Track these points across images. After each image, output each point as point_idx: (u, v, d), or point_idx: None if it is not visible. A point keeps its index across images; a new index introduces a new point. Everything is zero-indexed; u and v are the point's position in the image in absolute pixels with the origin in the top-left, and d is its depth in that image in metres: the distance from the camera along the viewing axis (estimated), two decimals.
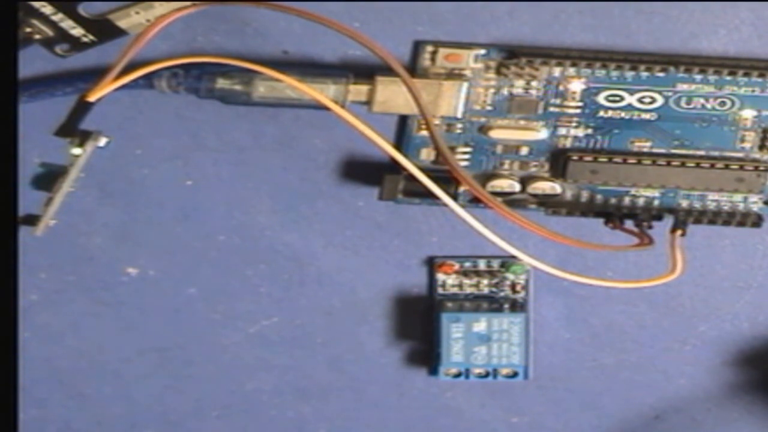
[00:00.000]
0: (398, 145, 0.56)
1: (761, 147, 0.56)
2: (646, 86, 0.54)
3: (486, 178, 0.56)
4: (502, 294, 0.60)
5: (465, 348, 0.59)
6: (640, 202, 0.57)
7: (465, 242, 0.59)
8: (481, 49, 0.54)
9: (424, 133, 0.55)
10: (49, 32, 0.53)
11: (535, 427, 0.63)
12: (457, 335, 0.59)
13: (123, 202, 0.58)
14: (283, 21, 0.54)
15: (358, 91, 0.54)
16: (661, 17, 0.54)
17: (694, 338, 0.62)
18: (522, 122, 0.55)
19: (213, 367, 0.62)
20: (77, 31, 0.53)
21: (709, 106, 0.55)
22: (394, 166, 0.54)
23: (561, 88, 0.55)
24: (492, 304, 0.60)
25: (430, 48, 0.54)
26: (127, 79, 0.51)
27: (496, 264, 0.60)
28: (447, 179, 0.53)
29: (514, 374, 0.60)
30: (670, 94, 0.55)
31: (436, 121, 0.55)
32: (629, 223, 0.57)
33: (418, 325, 0.61)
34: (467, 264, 0.60)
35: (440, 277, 0.60)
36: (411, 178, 0.53)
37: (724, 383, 0.62)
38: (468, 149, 0.56)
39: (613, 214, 0.57)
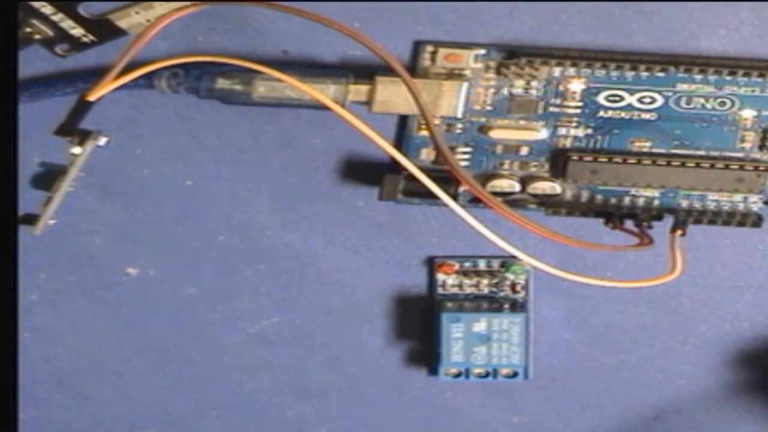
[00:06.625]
0: (398, 145, 0.56)
1: (761, 147, 0.56)
2: (646, 86, 0.54)
3: (486, 178, 0.56)
4: (502, 294, 0.60)
5: (465, 348, 0.59)
6: (640, 202, 0.57)
7: (465, 242, 0.59)
8: (481, 49, 0.54)
9: (424, 133, 0.55)
10: (49, 32, 0.53)
11: (535, 427, 0.63)
12: (457, 335, 0.59)
13: (123, 202, 0.58)
14: (283, 21, 0.54)
15: (358, 91, 0.54)
16: (661, 17, 0.54)
17: (694, 338, 0.62)
18: (522, 122, 0.56)
19: (213, 367, 0.62)
20: (77, 31, 0.53)
21: (709, 106, 0.55)
22: (394, 166, 0.54)
23: (561, 88, 0.55)
24: (492, 304, 0.60)
25: (430, 48, 0.54)
26: (127, 79, 0.51)
27: (496, 264, 0.60)
28: (447, 179, 0.53)
29: (514, 374, 0.60)
30: (670, 94, 0.55)
31: (436, 121, 0.55)
32: (629, 223, 0.57)
33: (418, 325, 0.61)
34: (467, 264, 0.60)
35: (440, 277, 0.60)
36: (411, 178, 0.53)
37: (724, 383, 0.62)
38: (468, 149, 0.56)
39: (613, 214, 0.57)
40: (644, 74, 0.54)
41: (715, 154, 0.56)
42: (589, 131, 0.56)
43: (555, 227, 0.54)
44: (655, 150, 0.56)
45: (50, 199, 0.52)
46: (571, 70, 0.54)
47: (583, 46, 0.54)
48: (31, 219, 0.52)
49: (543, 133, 0.56)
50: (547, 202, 0.57)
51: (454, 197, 0.53)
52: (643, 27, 0.54)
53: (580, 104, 0.55)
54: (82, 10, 0.53)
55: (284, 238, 0.59)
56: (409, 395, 0.63)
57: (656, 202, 0.57)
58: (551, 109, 0.55)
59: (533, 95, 0.55)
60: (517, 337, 0.59)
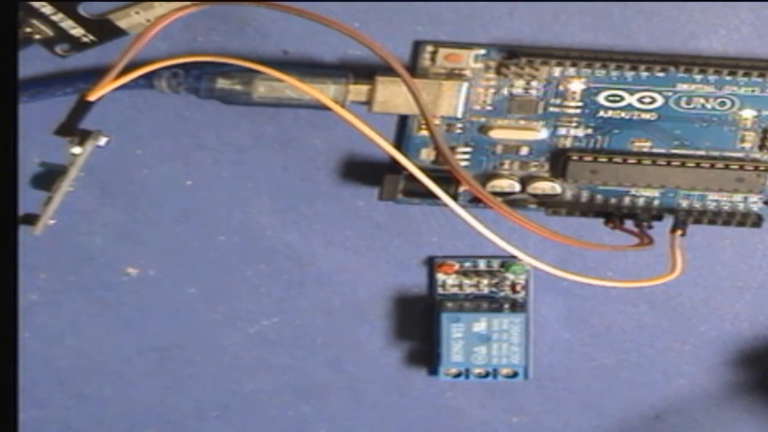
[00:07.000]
0: (398, 145, 0.56)
1: (761, 147, 0.56)
2: (646, 86, 0.54)
3: (486, 178, 0.56)
4: (502, 294, 0.60)
5: (465, 348, 0.59)
6: (640, 202, 0.57)
7: (465, 242, 0.59)
8: (481, 49, 0.54)
9: (424, 133, 0.55)
10: (49, 32, 0.53)
11: (535, 427, 0.63)
12: (457, 335, 0.59)
13: (123, 202, 0.58)
14: (283, 21, 0.54)
15: (358, 91, 0.54)
16: (661, 17, 0.54)
17: (694, 338, 0.62)
18: (522, 122, 0.56)
19: (213, 367, 0.62)
20: (77, 31, 0.53)
21: (709, 106, 0.55)
22: (394, 166, 0.54)
23: (561, 88, 0.55)
24: (492, 304, 0.60)
25: (430, 48, 0.54)
26: (127, 78, 0.51)
27: (496, 264, 0.60)
28: (447, 179, 0.53)
29: (514, 374, 0.60)
30: (670, 94, 0.55)
31: (436, 121, 0.55)
32: (629, 223, 0.57)
33: (418, 325, 0.61)
34: (467, 264, 0.60)
35: (440, 277, 0.60)
36: (411, 178, 0.53)
37: (724, 383, 0.62)
38: (468, 149, 0.56)
39: (613, 214, 0.57)
40: (644, 74, 0.54)
41: (715, 154, 0.56)
42: (589, 131, 0.56)
43: (555, 227, 0.54)
44: (655, 150, 0.56)
45: (50, 199, 0.52)
46: (571, 70, 0.54)
47: (583, 46, 0.54)
48: (31, 219, 0.52)
49: (543, 133, 0.56)
50: (547, 202, 0.57)
51: (454, 197, 0.53)
52: (643, 27, 0.54)
53: (580, 104, 0.55)
54: (82, 10, 0.53)
55: (284, 238, 0.59)
56: (409, 395, 0.63)
57: (656, 202, 0.57)
58: (551, 109, 0.55)
59: (533, 95, 0.55)
60: (517, 337, 0.59)
